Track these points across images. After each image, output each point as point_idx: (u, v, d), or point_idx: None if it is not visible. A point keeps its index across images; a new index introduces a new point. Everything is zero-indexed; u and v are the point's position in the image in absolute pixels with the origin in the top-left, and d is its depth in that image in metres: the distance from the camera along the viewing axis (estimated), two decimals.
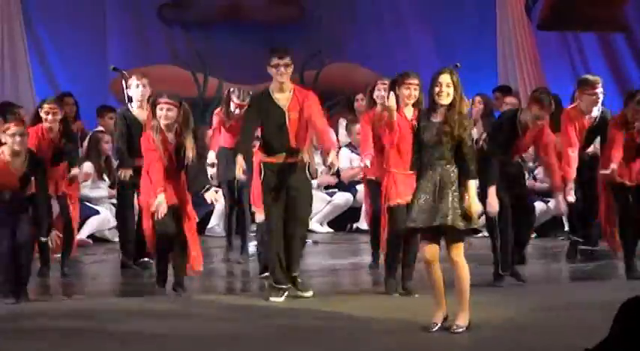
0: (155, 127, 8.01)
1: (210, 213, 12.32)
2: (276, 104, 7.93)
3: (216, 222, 12.26)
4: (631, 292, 4.02)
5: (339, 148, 11.76)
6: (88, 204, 11.37)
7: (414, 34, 14.30)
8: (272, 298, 7.83)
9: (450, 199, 6.53)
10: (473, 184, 6.66)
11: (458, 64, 11.20)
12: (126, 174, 9.18)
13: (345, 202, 12.44)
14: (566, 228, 11.59)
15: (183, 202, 8.12)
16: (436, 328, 6.63)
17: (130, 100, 9.90)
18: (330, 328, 6.89)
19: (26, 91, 13.11)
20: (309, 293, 7.96)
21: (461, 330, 6.59)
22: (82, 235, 11.29)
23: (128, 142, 9.24)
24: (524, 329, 6.82)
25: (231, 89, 9.93)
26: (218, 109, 9.99)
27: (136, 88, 9.43)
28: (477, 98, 12.64)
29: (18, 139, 7.79)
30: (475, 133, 12.49)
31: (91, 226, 11.35)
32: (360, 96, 11.51)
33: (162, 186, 7.92)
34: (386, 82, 8.52)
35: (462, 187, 6.60)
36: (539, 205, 11.49)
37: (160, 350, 6.55)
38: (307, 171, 8.04)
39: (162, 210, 7.86)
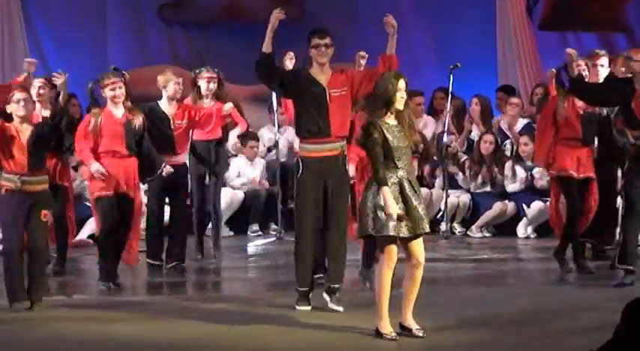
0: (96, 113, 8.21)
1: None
2: (315, 81, 7.65)
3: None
4: (632, 293, 4.02)
5: None
6: (88, 204, 11.35)
7: (414, 34, 14.28)
8: (298, 307, 7.53)
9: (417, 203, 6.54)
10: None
11: (458, 64, 11.23)
12: (168, 170, 9.14)
13: None
14: None
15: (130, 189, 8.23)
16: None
17: (130, 99, 9.91)
18: (329, 329, 6.88)
19: None
20: (341, 309, 7.49)
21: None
22: (82, 235, 11.29)
23: (157, 136, 9.22)
24: (524, 329, 6.82)
25: (196, 70, 9.92)
26: (187, 99, 9.87)
27: (171, 86, 9.45)
28: (475, 99, 12.64)
29: (22, 104, 7.68)
30: (475, 133, 12.51)
31: (91, 226, 11.33)
32: None
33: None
34: None
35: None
36: (538, 205, 11.49)
37: (158, 350, 6.55)
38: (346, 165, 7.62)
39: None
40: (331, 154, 7.46)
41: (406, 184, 6.54)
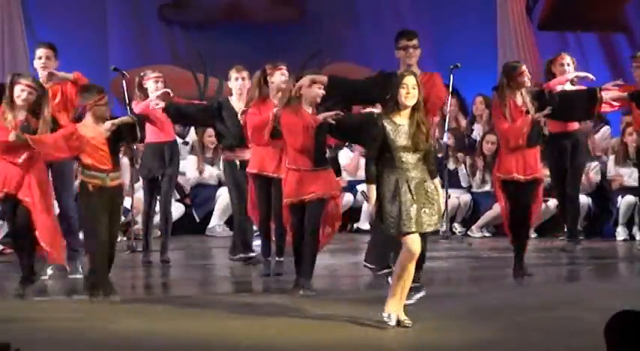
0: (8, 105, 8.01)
1: (211, 213, 12.33)
2: None
3: (216, 222, 12.26)
4: (629, 292, 4.01)
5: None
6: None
7: None
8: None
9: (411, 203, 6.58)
10: (438, 183, 6.82)
11: (458, 64, 11.23)
12: (243, 156, 9.27)
13: (345, 202, 12.44)
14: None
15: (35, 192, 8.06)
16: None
17: (130, 99, 9.93)
18: (329, 328, 6.89)
19: None
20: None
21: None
22: (82, 235, 11.27)
23: (226, 129, 9.40)
24: (524, 329, 6.82)
25: (141, 73, 9.90)
26: (135, 103, 9.88)
27: (235, 81, 9.61)
28: (479, 98, 12.66)
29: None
30: (477, 133, 12.52)
31: None
32: None
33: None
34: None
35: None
36: None
37: (159, 350, 6.55)
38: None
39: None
40: None
41: (403, 184, 6.57)
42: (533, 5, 14.21)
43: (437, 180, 6.82)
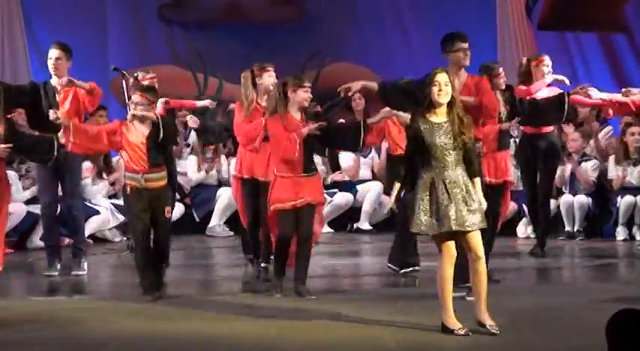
0: None
1: (211, 213, 12.33)
2: None
3: (216, 222, 12.26)
4: (630, 292, 4.01)
5: None
6: (88, 204, 11.37)
7: (414, 34, 14.30)
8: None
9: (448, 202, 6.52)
10: (479, 182, 6.70)
11: None
12: None
13: (345, 202, 12.45)
14: (567, 228, 11.61)
15: None
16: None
17: (129, 99, 9.90)
18: (329, 328, 6.88)
19: None
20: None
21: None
22: None
23: None
24: (524, 329, 6.82)
25: (135, 74, 9.72)
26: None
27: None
28: None
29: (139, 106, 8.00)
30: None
31: (91, 226, 11.34)
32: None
33: None
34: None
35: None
36: None
37: (159, 350, 6.55)
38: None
39: None
40: None
41: (439, 184, 6.49)
42: (533, 5, 14.21)
43: (478, 179, 6.68)
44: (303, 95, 7.99)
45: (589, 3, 14.17)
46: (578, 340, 6.33)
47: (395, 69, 13.04)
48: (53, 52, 9.16)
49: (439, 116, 6.58)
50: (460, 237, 6.57)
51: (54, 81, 9.22)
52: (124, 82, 10.02)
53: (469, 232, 6.54)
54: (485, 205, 6.64)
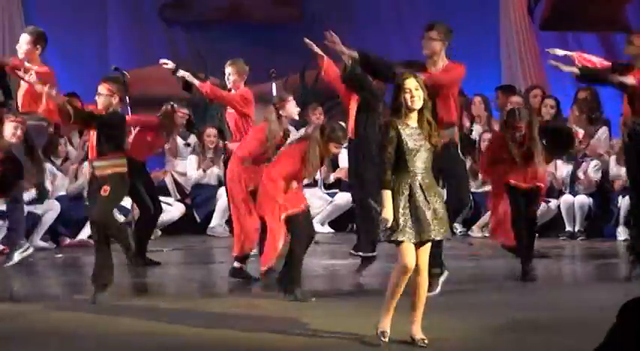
0: None
1: (211, 213, 12.34)
2: None
3: (217, 222, 12.27)
4: (630, 292, 4.01)
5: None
6: (88, 204, 11.35)
7: (414, 34, 14.26)
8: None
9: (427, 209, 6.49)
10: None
11: None
12: None
13: (345, 202, 12.44)
14: (567, 228, 11.61)
15: None
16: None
17: (130, 99, 9.93)
18: (329, 328, 6.88)
19: None
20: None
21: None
22: (82, 235, 11.29)
23: None
24: (524, 329, 6.82)
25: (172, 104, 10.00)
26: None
27: (293, 108, 9.31)
28: (477, 99, 12.65)
29: None
30: (476, 133, 12.52)
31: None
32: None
33: None
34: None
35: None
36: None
37: (159, 350, 6.55)
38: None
39: None
40: None
41: (417, 189, 6.44)
42: (535, 5, 14.21)
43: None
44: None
45: (590, 3, 14.16)
46: (578, 340, 6.33)
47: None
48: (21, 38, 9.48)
49: (412, 120, 6.55)
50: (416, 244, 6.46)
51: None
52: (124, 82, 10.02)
53: (428, 241, 6.47)
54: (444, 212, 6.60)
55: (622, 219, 11.40)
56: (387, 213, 6.32)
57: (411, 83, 6.49)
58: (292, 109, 8.91)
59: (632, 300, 3.84)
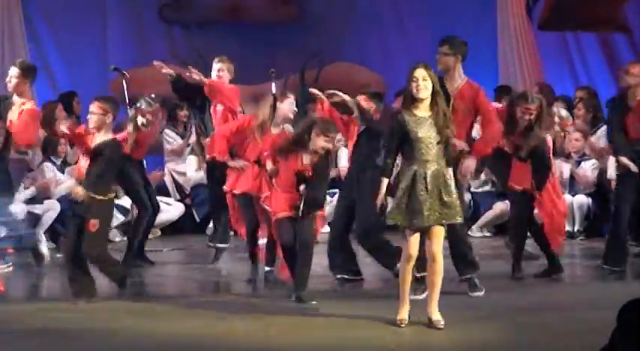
0: None
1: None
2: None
3: None
4: (630, 292, 4.01)
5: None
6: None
7: (414, 34, 14.29)
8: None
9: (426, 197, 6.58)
10: (451, 172, 6.80)
11: None
12: None
13: None
14: (567, 227, 11.60)
15: None
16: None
17: (130, 99, 9.92)
18: (329, 328, 6.89)
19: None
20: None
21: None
22: None
23: None
24: (524, 329, 6.82)
25: (138, 104, 9.66)
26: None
27: (289, 105, 9.24)
28: None
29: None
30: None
31: None
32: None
33: None
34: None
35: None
36: None
37: (159, 350, 6.55)
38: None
39: None
40: None
41: (420, 177, 6.55)
42: (534, 5, 14.21)
43: (450, 170, 6.77)
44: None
45: (589, 3, 14.16)
46: (578, 339, 6.33)
47: (395, 69, 13.03)
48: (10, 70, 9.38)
49: (422, 110, 6.65)
50: (426, 231, 6.66)
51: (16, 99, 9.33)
52: (124, 82, 10.02)
53: (437, 225, 6.61)
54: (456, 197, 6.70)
55: None
56: (380, 198, 6.64)
57: (419, 73, 6.62)
58: (288, 106, 8.88)
59: (632, 300, 3.85)
